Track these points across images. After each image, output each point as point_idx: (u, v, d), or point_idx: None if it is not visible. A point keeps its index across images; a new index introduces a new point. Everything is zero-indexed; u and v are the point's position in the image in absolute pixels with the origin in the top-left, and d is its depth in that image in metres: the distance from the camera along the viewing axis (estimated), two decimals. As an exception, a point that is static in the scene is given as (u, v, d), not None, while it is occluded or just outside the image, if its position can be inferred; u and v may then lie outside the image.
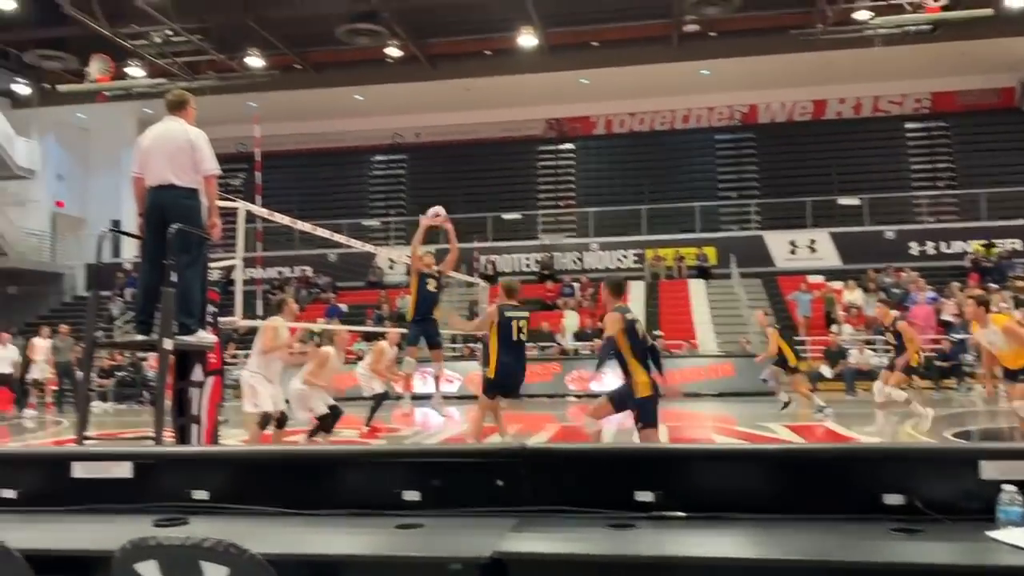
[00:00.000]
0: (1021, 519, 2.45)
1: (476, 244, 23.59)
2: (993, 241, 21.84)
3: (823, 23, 19.95)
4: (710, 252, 23.57)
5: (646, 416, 6.52)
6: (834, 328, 18.86)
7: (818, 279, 21.70)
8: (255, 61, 21.84)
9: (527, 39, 21.73)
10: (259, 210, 8.59)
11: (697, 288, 22.40)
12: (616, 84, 24.55)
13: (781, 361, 13.25)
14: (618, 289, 7.53)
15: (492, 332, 7.84)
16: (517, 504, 2.91)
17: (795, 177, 25.39)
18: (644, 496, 2.87)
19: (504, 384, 8.02)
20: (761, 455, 3.16)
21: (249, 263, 19.00)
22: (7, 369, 15.86)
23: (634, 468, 2.97)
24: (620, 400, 6.86)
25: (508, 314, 7.85)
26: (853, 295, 20.04)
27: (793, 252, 23.46)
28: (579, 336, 20.21)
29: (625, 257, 24.40)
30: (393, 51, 22.77)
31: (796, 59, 22.37)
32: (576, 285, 22.60)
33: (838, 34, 19.83)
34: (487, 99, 25.34)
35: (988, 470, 2.68)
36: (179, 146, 5.50)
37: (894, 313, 12.04)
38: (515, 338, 7.84)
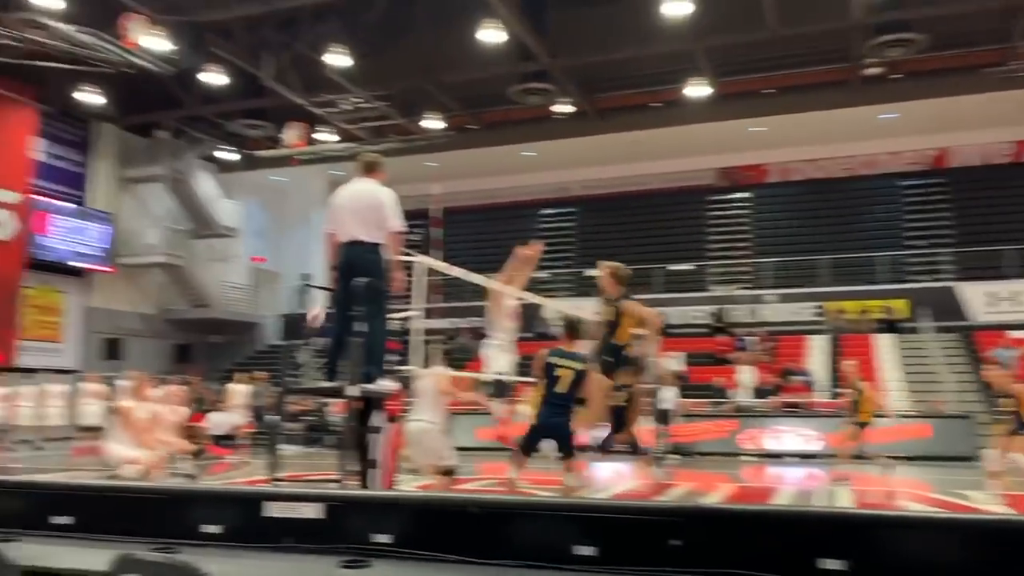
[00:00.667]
0: None
1: (644, 296, 23.35)
2: None
3: (1018, 60, 18.51)
4: (898, 305, 22.09)
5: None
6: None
7: (1022, 335, 19.80)
8: (433, 123, 22.98)
9: (697, 90, 21.55)
10: (436, 264, 8.93)
11: (885, 343, 21.01)
12: (792, 130, 23.80)
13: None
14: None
15: (539, 379, 7.46)
16: (692, 565, 2.81)
17: (993, 224, 23.45)
18: (832, 564, 2.69)
19: (540, 436, 7.52)
20: (968, 525, 2.89)
21: (427, 314, 19.75)
22: (223, 431, 16.99)
23: (820, 533, 2.79)
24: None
25: (552, 360, 7.37)
26: (1065, 352, 18.12)
27: (993, 305, 21.56)
28: (757, 392, 19.40)
29: (804, 310, 23.31)
30: (562, 107, 23.25)
31: (992, 99, 20.80)
32: (752, 339, 21.80)
33: (1038, 70, 18.33)
34: (656, 150, 25.27)
35: None
36: (369, 205, 5.86)
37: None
38: (558, 389, 7.31)
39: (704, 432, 16.80)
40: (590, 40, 20.10)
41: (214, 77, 20.98)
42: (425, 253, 9.72)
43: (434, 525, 3.20)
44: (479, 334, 25.27)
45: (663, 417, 15.40)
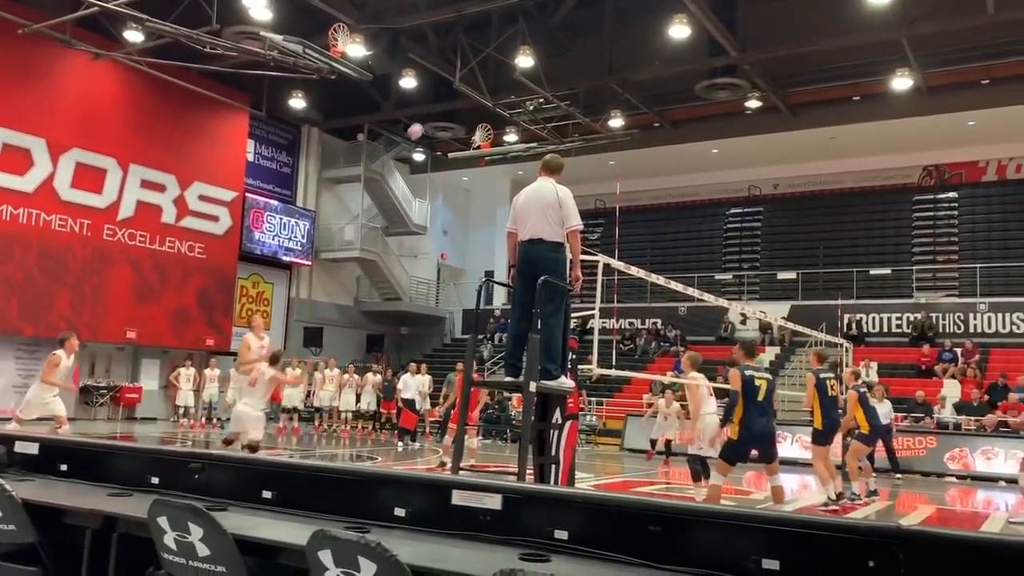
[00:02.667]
0: None
1: (839, 301, 22.12)
2: None
3: None
4: None
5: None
6: None
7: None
8: (616, 122, 22.91)
9: (902, 82, 20.09)
10: (616, 263, 8.90)
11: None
12: (1012, 124, 21.64)
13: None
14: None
15: (739, 394, 8.00)
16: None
17: None
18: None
19: (748, 448, 8.25)
20: None
21: (605, 314, 19.77)
22: (412, 395, 18.01)
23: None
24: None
25: (748, 374, 7.99)
26: None
27: None
28: (960, 408, 17.88)
29: (1021, 320, 21.21)
30: (752, 103, 22.45)
31: None
32: (958, 350, 20.11)
33: None
34: (853, 146, 23.84)
35: None
36: (548, 203, 5.93)
37: None
38: (760, 399, 7.95)
39: (903, 450, 15.67)
40: (783, 32, 19.28)
41: (408, 82, 22.00)
42: (604, 252, 9.71)
43: (612, 525, 3.18)
44: (659, 336, 25.00)
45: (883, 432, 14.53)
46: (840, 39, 18.98)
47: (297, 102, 24.13)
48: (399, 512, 3.47)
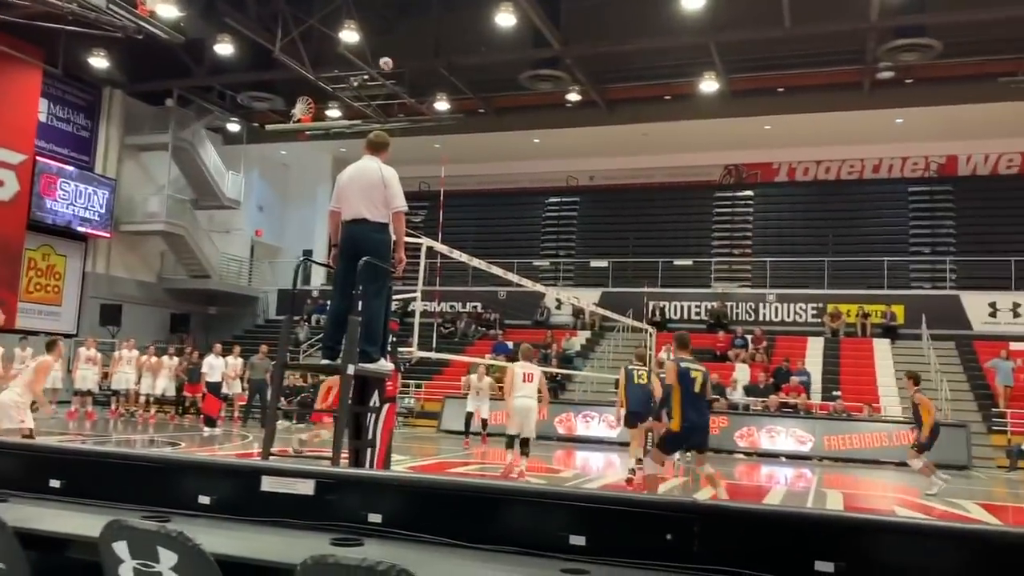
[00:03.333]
0: None
1: (646, 289, 23.37)
2: None
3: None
4: (898, 310, 22.10)
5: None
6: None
7: (1021, 346, 19.81)
8: (442, 105, 22.91)
9: (709, 84, 21.46)
10: (439, 246, 8.91)
11: (882, 348, 21.03)
12: (801, 130, 23.72)
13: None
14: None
15: (675, 386, 8.05)
16: (685, 561, 2.79)
17: (997, 234, 23.42)
18: (825, 566, 2.68)
19: (687, 438, 8.30)
20: (960, 534, 2.88)
21: (426, 296, 19.76)
22: (216, 378, 17.17)
23: (816, 535, 2.78)
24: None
25: (684, 366, 8.02)
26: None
27: (993, 315, 21.57)
28: (750, 391, 19.44)
29: (804, 310, 23.33)
30: (572, 96, 23.17)
31: (1003, 108, 20.71)
32: (749, 337, 21.82)
33: (1054, 82, 18.25)
34: (664, 143, 25.20)
35: None
36: (372, 183, 5.83)
37: None
38: (696, 391, 8.01)
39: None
40: (603, 29, 20.02)
41: (224, 48, 20.89)
42: (427, 235, 9.69)
43: (426, 507, 3.19)
44: (480, 319, 25.36)
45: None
46: (655, 40, 19.98)
47: (98, 61, 22.27)
48: (204, 500, 3.31)
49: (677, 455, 10.70)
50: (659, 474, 8.64)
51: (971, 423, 17.10)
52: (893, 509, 9.91)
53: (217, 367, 17.11)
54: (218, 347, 17.89)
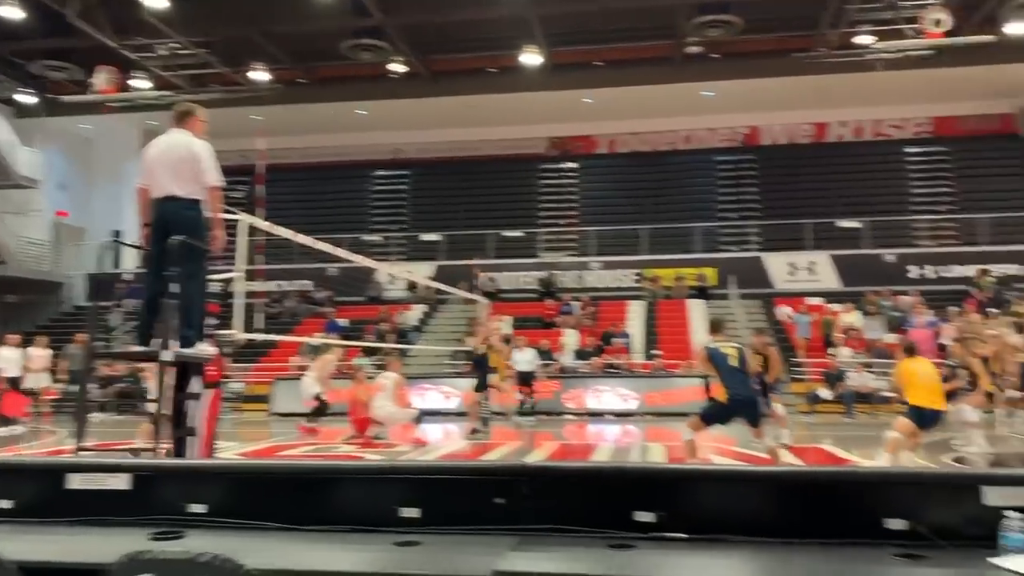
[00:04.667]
0: (1023, 545, 2.44)
1: (477, 261, 23.61)
2: (988, 268, 21.84)
3: (826, 47, 20.04)
4: (709, 273, 23.59)
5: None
6: (831, 350, 18.84)
7: (817, 301, 21.70)
8: (260, 75, 21.93)
9: (531, 57, 21.82)
10: (260, 223, 8.60)
11: (696, 308, 22.40)
12: (619, 104, 24.64)
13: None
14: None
15: (710, 368, 8.20)
16: (517, 523, 2.89)
17: (795, 199, 25.44)
18: (644, 517, 2.85)
19: (735, 411, 8.26)
20: (763, 477, 3.15)
21: (249, 276, 19.01)
22: (15, 372, 15.72)
23: (635, 488, 2.95)
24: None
25: (713, 347, 8.28)
26: (852, 317, 20.02)
27: (792, 274, 23.48)
28: (579, 355, 20.17)
29: (625, 276, 24.41)
30: (397, 67, 22.87)
31: (798, 82, 22.45)
32: (576, 304, 22.58)
33: (840, 58, 19.92)
34: (490, 116, 25.44)
35: (991, 496, 2.66)
36: (182, 157, 5.52)
37: None
38: (734, 364, 8.11)
39: (531, 392, 17.29)
40: None
41: (10, 11, 18.95)
42: (248, 211, 9.32)
43: (253, 493, 3.11)
44: (308, 298, 24.71)
45: (526, 379, 16.07)
46: (478, 11, 20.03)
47: None
48: (5, 504, 3.06)
49: None
50: (695, 440, 8.65)
51: (776, 374, 18.56)
52: (709, 458, 10.63)
53: (13, 360, 15.67)
54: (13, 338, 16.38)
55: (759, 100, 24.45)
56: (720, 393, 7.94)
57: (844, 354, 18.55)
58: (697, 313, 22.16)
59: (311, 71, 23.66)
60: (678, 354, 19.79)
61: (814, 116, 26.31)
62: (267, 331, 17.65)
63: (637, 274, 24.24)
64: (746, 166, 27.18)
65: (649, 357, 19.86)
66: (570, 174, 28.27)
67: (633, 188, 27.16)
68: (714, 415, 8.29)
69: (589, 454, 11.62)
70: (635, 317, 22.36)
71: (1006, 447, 12.13)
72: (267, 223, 8.76)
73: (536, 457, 10.22)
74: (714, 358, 8.06)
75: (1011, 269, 22.16)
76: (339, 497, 3.08)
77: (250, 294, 21.03)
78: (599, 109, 25.18)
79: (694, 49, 21.87)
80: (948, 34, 17.17)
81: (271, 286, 25.02)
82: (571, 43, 22.05)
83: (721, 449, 11.51)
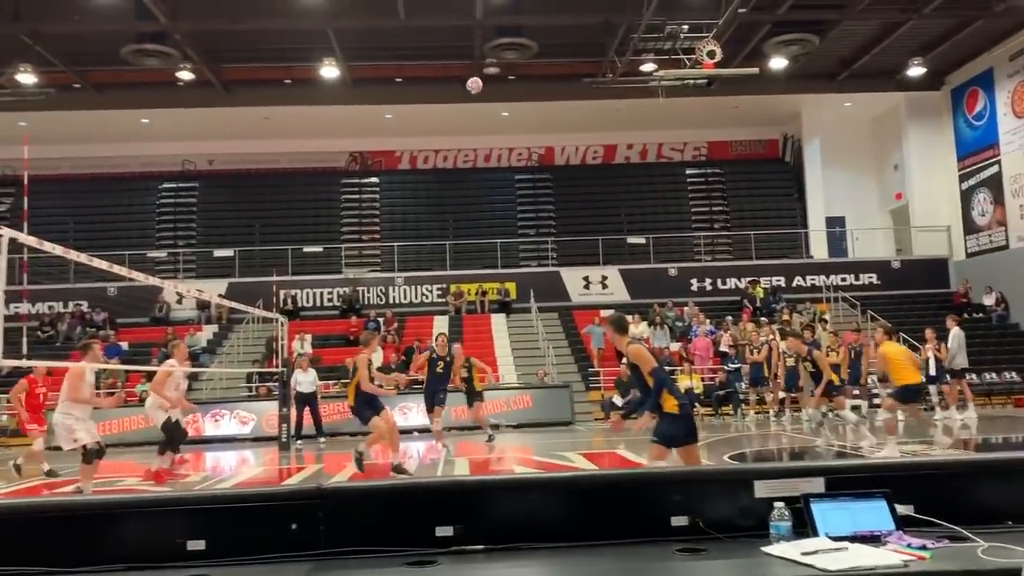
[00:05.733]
0: (790, 533, 2.67)
1: (275, 278, 22.77)
2: (758, 279, 24.03)
3: (612, 73, 21.24)
4: (511, 287, 24.19)
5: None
6: (624, 360, 19.84)
7: (609, 313, 22.80)
8: (27, 78, 20.00)
9: (329, 71, 21.46)
10: (25, 238, 7.80)
11: (499, 322, 22.87)
12: (420, 121, 24.80)
13: None
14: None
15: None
16: (313, 548, 2.79)
17: (588, 216, 26.68)
18: (444, 531, 2.84)
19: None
20: (557, 484, 3.24)
21: (14, 297, 17.25)
22: None
23: (434, 503, 2.94)
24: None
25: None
26: (639, 328, 21.24)
27: (587, 287, 24.58)
28: (383, 371, 19.91)
29: (430, 291, 24.50)
30: (184, 74, 21.68)
31: (588, 105, 23.67)
32: (381, 319, 22.35)
33: (626, 84, 21.19)
34: (288, 128, 24.73)
35: (761, 489, 2.89)
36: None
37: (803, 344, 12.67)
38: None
39: (331, 414, 16.86)
40: (216, 6, 18.95)
41: None
42: (15, 226, 8.43)
43: (20, 535, 2.80)
44: (85, 320, 22.72)
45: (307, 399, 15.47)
46: (272, 21, 19.44)
47: None
48: None
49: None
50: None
51: (573, 383, 19.33)
52: (512, 468, 10.85)
53: None
54: None
55: (553, 122, 25.53)
56: (669, 402, 5.77)
57: (635, 363, 19.56)
58: (500, 326, 22.64)
59: (86, 75, 21.90)
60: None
61: (604, 138, 27.82)
62: (40, 356, 16.04)
63: (441, 289, 24.39)
64: (542, 185, 28.20)
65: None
66: (372, 189, 28.04)
67: (436, 204, 27.39)
68: (683, 431, 5.77)
69: (388, 472, 11.50)
70: (439, 331, 22.43)
71: (777, 444, 13.30)
72: (33, 239, 7.96)
73: (337, 480, 9.98)
74: (656, 355, 6.52)
75: (779, 281, 24.44)
76: (118, 533, 2.84)
77: (14, 317, 19.08)
78: (400, 125, 25.22)
79: (492, 70, 22.42)
80: (719, 65, 18.71)
81: (41, 308, 22.83)
82: (371, 58, 21.92)
83: (523, 459, 11.79)
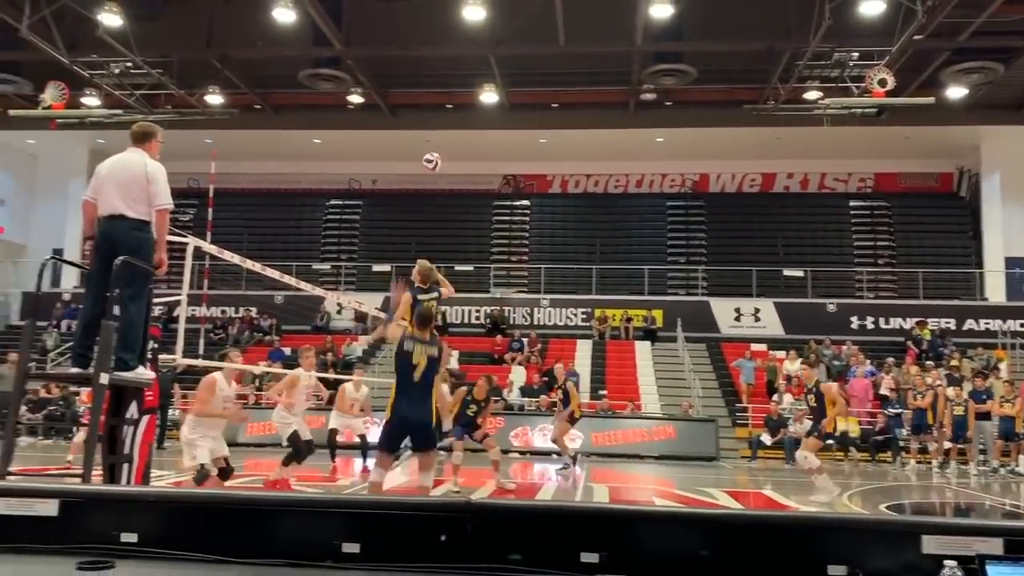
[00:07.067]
0: (961, 595, 2.47)
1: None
2: (926, 320, 22.50)
3: (775, 100, 20.66)
4: (657, 315, 23.85)
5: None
6: (775, 397, 19.11)
7: (761, 347, 22.06)
8: (215, 98, 21.73)
9: (489, 96, 22.05)
10: (208, 247, 8.45)
11: (643, 349, 22.57)
12: (574, 145, 25.00)
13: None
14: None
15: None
16: (460, 561, 2.84)
17: (742, 246, 25.96)
18: (589, 557, 2.83)
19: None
20: (706, 520, 3.15)
21: (194, 301, 18.64)
22: None
23: (581, 528, 2.92)
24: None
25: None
26: (794, 365, 20.38)
27: (738, 319, 23.86)
28: (525, 392, 20.12)
29: (575, 315, 24.53)
30: (355, 98, 22.88)
31: (748, 132, 23.08)
32: (525, 340, 22.59)
33: (789, 111, 20.53)
34: (445, 150, 25.07)
35: (930, 544, 2.70)
36: (134, 177, 5.41)
37: (816, 373, 11.94)
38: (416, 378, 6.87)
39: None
40: (386, 33, 19.94)
41: (-43, 19, 18.53)
42: (198, 235, 9.16)
43: (187, 523, 3.00)
44: (253, 325, 24.28)
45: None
46: (438, 48, 20.20)
47: None
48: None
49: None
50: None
51: (719, 418, 18.78)
52: (652, 500, 10.65)
53: None
54: None
55: (709, 148, 25.05)
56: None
57: (787, 401, 18.84)
58: (644, 355, 22.34)
59: (267, 97, 23.53)
60: (625, 395, 19.88)
61: (762, 166, 27.00)
62: (210, 358, 17.23)
63: (586, 313, 24.38)
64: (695, 212, 27.69)
65: (596, 397, 19.91)
66: (523, 211, 28.46)
67: (585, 228, 27.45)
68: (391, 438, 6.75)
69: (534, 493, 11.55)
70: (583, 356, 22.44)
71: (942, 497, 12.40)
72: (214, 247, 8.61)
73: (480, 495, 10.12)
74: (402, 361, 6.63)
75: (948, 323, 22.83)
76: (276, 530, 2.99)
77: (194, 319, 20.65)
78: (553, 149, 25.49)
79: (648, 96, 22.33)
80: (891, 93, 17.82)
81: (215, 312, 24.56)
82: (529, 84, 22.35)
83: (664, 492, 11.55)
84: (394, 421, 6.68)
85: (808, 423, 15.64)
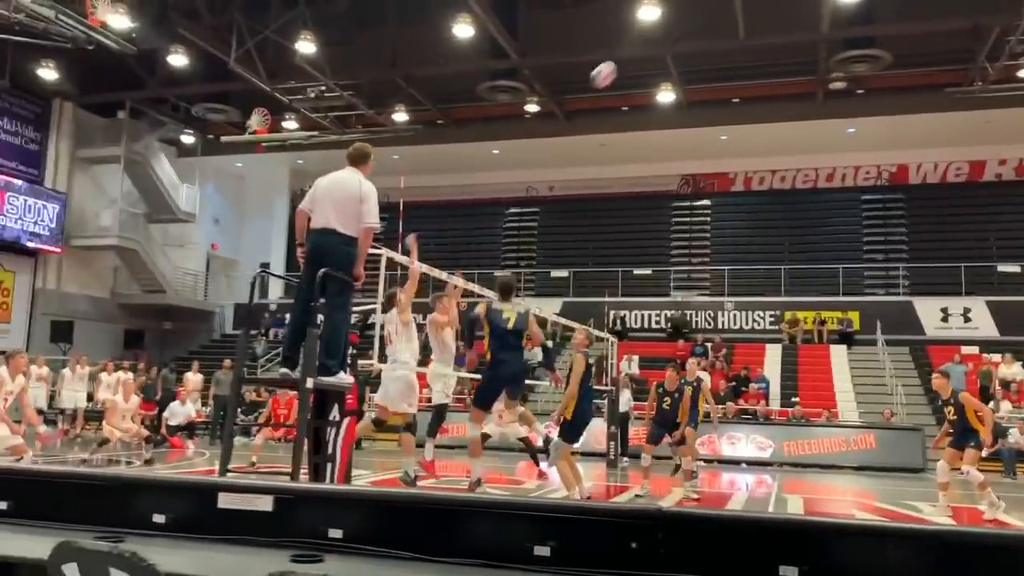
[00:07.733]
0: None
1: (606, 299, 23.46)
2: None
3: (982, 80, 18.94)
4: (854, 316, 22.48)
5: None
6: (991, 404, 17.47)
7: (973, 350, 20.27)
8: (400, 116, 22.82)
9: (666, 95, 21.70)
10: (400, 257, 8.84)
11: (839, 354, 21.35)
12: (756, 140, 24.07)
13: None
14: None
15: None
16: (650, 568, 2.78)
17: (948, 241, 23.98)
18: (788, 571, 2.69)
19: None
20: (921, 535, 2.90)
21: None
22: (178, 421, 16.79)
23: (778, 540, 2.78)
24: None
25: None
26: (1012, 369, 18.58)
27: (945, 320, 22.05)
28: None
29: (762, 318, 23.61)
30: (531, 107, 23.27)
31: (951, 118, 21.25)
32: (709, 345, 22.01)
33: (999, 92, 18.76)
34: (622, 154, 25.39)
35: None
36: (349, 195, 5.79)
37: (950, 384, 10.73)
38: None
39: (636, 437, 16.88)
40: (560, 40, 20.13)
41: (177, 58, 20.61)
42: (388, 247, 9.61)
43: (387, 521, 3.13)
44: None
45: (622, 419, 15.63)
46: (612, 52, 20.06)
47: (47, 72, 21.81)
48: (158, 519, 3.22)
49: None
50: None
51: (925, 427, 17.41)
52: (852, 512, 10.03)
53: (180, 413, 16.73)
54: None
55: (907, 137, 23.29)
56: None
57: (1004, 409, 17.18)
58: (840, 360, 21.14)
59: (448, 112, 24.41)
60: (819, 402, 18.91)
61: (969, 154, 24.77)
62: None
63: (774, 316, 23.40)
64: (893, 205, 25.88)
65: (788, 404, 19.06)
66: (703, 211, 27.76)
67: (770, 227, 26.37)
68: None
69: (724, 502, 11.21)
70: (772, 361, 21.54)
71: None
72: (405, 258, 9.00)
73: (667, 503, 9.94)
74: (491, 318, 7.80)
75: None
76: (470, 530, 3.06)
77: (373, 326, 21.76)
78: (734, 145, 24.67)
79: (837, 85, 21.14)
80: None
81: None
82: (707, 80, 21.80)
83: (865, 505, 10.86)
84: (491, 377, 7.74)
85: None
